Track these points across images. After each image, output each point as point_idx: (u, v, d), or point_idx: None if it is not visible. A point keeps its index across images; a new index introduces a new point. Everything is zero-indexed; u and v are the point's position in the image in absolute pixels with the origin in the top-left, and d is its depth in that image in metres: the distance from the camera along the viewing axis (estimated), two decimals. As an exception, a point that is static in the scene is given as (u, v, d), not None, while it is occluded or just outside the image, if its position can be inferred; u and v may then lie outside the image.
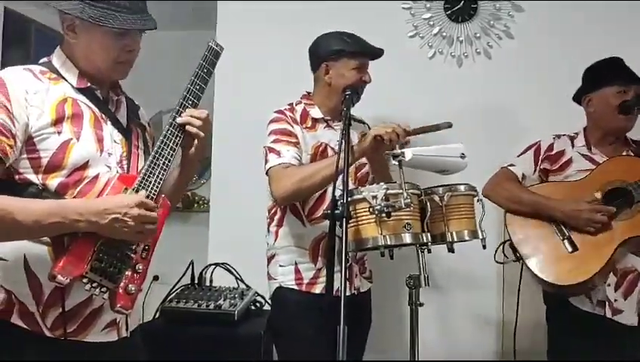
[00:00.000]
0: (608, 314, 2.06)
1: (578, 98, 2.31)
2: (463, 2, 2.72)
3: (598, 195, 2.10)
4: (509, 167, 2.31)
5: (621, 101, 2.13)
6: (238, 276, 2.51)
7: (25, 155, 1.34)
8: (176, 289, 2.39)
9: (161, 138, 1.46)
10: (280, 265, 2.08)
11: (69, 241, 1.31)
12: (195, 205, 4.14)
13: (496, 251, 2.24)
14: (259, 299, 2.43)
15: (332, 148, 2.10)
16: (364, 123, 2.29)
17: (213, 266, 2.51)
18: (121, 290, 1.38)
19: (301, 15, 2.76)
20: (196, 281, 2.45)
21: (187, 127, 1.49)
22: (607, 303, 2.07)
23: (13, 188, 1.33)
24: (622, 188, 2.09)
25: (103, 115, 1.48)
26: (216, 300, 2.23)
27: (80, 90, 1.45)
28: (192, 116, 1.48)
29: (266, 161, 2.03)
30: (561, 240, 2.12)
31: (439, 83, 2.72)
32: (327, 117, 2.13)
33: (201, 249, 2.78)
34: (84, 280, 1.31)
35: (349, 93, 1.98)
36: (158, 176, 1.43)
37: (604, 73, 2.21)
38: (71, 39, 1.45)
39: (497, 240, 2.31)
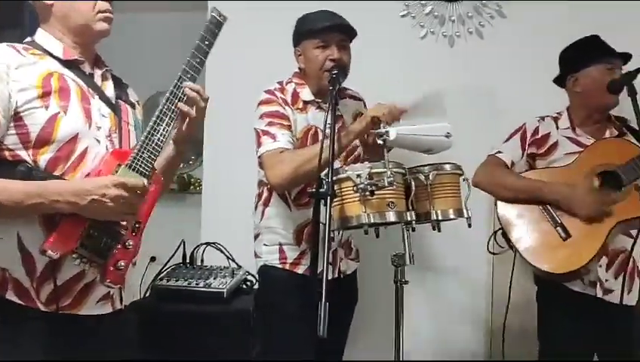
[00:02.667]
0: (599, 294, 2.08)
1: (562, 79, 2.29)
2: (455, -19, 2.71)
3: (596, 182, 2.09)
4: (496, 155, 2.29)
5: (611, 79, 2.11)
6: (229, 255, 2.53)
7: (13, 131, 1.35)
8: (168, 268, 2.42)
9: (157, 113, 1.45)
10: (264, 244, 2.09)
11: (60, 217, 1.33)
12: (191, 187, 4.14)
13: (488, 241, 2.25)
14: (250, 278, 2.45)
15: (323, 132, 2.06)
16: (360, 99, 2.26)
17: (205, 245, 2.53)
18: (111, 266, 1.40)
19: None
20: (188, 261, 2.47)
21: (186, 101, 1.48)
22: (598, 283, 2.09)
23: (2, 166, 1.34)
24: (610, 171, 2.09)
25: (90, 89, 1.47)
26: (206, 278, 2.26)
27: (66, 64, 1.45)
28: (194, 91, 1.48)
29: (259, 145, 1.99)
30: (553, 227, 2.12)
31: (431, 63, 2.71)
32: (318, 98, 2.08)
33: (196, 230, 2.80)
34: (74, 256, 1.34)
35: (335, 72, 1.95)
36: (151, 153, 1.43)
37: (589, 51, 2.20)
38: (47, 1, 1.45)
39: (488, 230, 2.34)
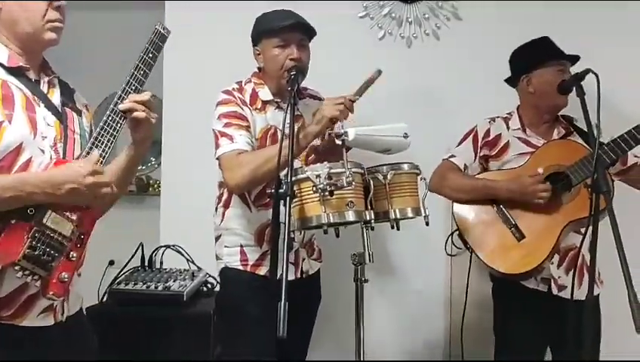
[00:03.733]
0: (554, 291, 2.14)
1: (514, 79, 2.35)
2: (412, -18, 2.74)
3: (540, 170, 2.15)
4: (450, 159, 2.34)
5: (562, 80, 2.17)
6: (188, 258, 2.50)
7: None
8: (126, 272, 2.37)
9: (100, 124, 1.45)
10: (225, 246, 2.08)
11: (2, 228, 1.30)
12: (150, 188, 4.08)
13: (446, 242, 2.32)
14: (210, 280, 2.42)
15: (282, 132, 2.07)
16: (320, 99, 2.24)
17: (164, 248, 2.50)
18: (54, 279, 1.38)
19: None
20: (146, 263, 2.43)
21: (134, 113, 1.47)
22: (552, 280, 2.15)
23: None
24: (560, 172, 2.16)
25: (35, 97, 1.44)
26: (165, 281, 2.23)
27: (10, 71, 1.42)
28: (135, 102, 1.47)
29: (217, 146, 1.97)
30: (508, 228, 2.18)
31: (389, 64, 2.69)
32: (277, 98, 2.08)
33: (156, 232, 2.75)
34: (16, 268, 1.31)
35: (294, 73, 1.95)
36: (99, 157, 1.43)
37: (541, 52, 2.26)
38: None
39: (445, 229, 2.39)
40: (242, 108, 2.02)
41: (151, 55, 1.53)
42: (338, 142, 1.78)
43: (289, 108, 1.76)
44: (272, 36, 2.03)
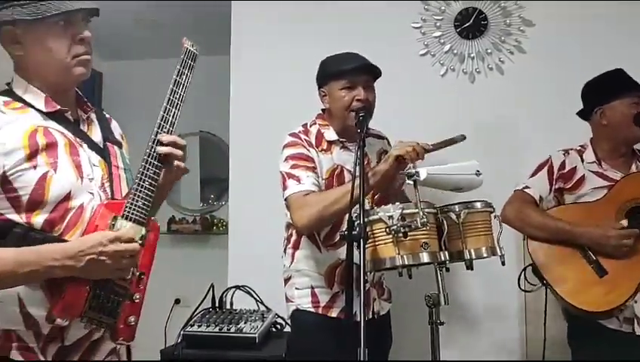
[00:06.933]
0: (638, 332, 2.03)
1: (587, 112, 2.30)
2: (472, 19, 2.75)
3: (625, 222, 2.07)
4: (524, 190, 2.27)
5: (637, 112, 2.12)
6: (257, 298, 2.51)
7: (3, 195, 1.28)
8: (198, 313, 2.40)
9: (144, 158, 1.38)
10: (296, 288, 2.09)
11: (63, 281, 1.27)
12: (214, 227, 4.17)
13: (519, 277, 2.22)
14: (279, 320, 2.43)
15: (349, 171, 2.07)
16: (383, 138, 2.27)
17: (234, 289, 2.52)
18: (121, 324, 1.36)
19: (312, 36, 2.80)
20: (217, 304, 2.46)
21: (170, 156, 1.41)
22: (635, 320, 2.04)
23: None
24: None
25: (77, 139, 1.40)
26: (237, 323, 2.24)
27: (49, 116, 1.36)
28: (175, 144, 1.41)
29: (285, 188, 2.00)
30: (588, 264, 2.09)
31: (453, 100, 2.73)
32: (342, 138, 2.10)
33: (220, 271, 2.79)
34: (84, 320, 1.30)
35: (362, 114, 1.97)
36: (145, 199, 1.36)
37: (615, 85, 2.21)
38: (18, 52, 1.36)
39: (518, 264, 2.31)
40: (309, 150, 2.05)
41: (184, 76, 1.43)
42: (409, 182, 1.76)
43: (359, 149, 1.76)
44: (339, 78, 2.06)
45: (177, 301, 3.83)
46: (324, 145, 2.10)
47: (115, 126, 1.59)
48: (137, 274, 1.38)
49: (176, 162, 1.42)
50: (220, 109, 2.99)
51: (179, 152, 1.41)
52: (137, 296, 1.39)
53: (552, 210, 2.22)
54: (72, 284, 1.27)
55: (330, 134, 2.11)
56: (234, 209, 2.89)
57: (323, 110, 2.17)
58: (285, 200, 2.02)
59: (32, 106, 1.36)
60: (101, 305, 1.31)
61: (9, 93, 1.38)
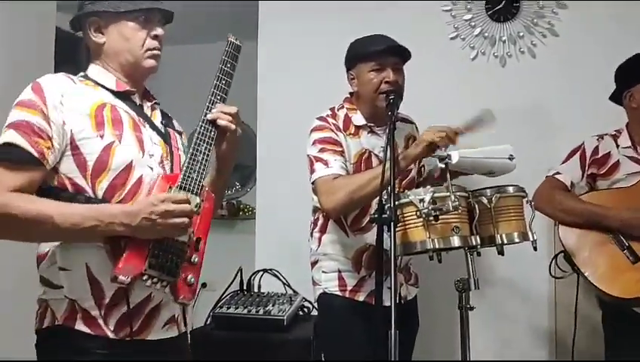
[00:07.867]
0: None
1: (617, 96, 2.24)
2: (504, 2, 2.69)
3: None
4: (555, 176, 2.24)
5: None
6: (285, 282, 2.53)
7: (71, 158, 1.39)
8: (226, 296, 2.43)
9: (195, 135, 1.48)
10: (323, 271, 2.08)
11: (125, 241, 1.35)
12: (241, 213, 4.20)
13: (550, 264, 2.19)
14: (306, 304, 2.45)
15: (376, 156, 2.05)
16: (411, 122, 2.25)
17: (261, 272, 2.54)
18: (181, 282, 1.40)
19: (339, 21, 2.77)
20: (245, 287, 2.48)
21: (218, 120, 1.50)
22: None
23: (62, 194, 1.37)
24: None
25: (141, 119, 1.51)
26: (265, 306, 2.26)
27: (118, 95, 1.50)
28: (221, 112, 1.51)
29: (312, 171, 1.99)
30: (621, 250, 2.06)
31: (483, 84, 2.68)
32: (370, 122, 2.08)
33: (247, 256, 2.81)
34: (145, 278, 1.34)
35: (392, 97, 1.94)
36: (198, 172, 1.44)
37: None
38: (99, 40, 1.51)
39: (548, 251, 2.27)
40: (336, 134, 2.04)
41: (229, 65, 1.55)
42: (441, 165, 1.75)
43: (389, 132, 1.75)
44: (368, 60, 2.04)
45: (204, 285, 3.85)
46: (352, 130, 2.08)
47: (176, 123, 1.69)
48: (194, 238, 1.44)
49: (224, 122, 1.50)
50: (247, 95, 2.99)
51: (227, 116, 1.51)
52: (196, 259, 1.44)
53: (585, 196, 2.18)
54: (132, 245, 1.35)
55: (358, 118, 2.09)
56: (261, 193, 2.90)
57: (351, 93, 2.15)
58: (313, 183, 2.01)
59: (104, 86, 1.50)
60: (161, 264, 1.36)
61: (84, 76, 1.53)
